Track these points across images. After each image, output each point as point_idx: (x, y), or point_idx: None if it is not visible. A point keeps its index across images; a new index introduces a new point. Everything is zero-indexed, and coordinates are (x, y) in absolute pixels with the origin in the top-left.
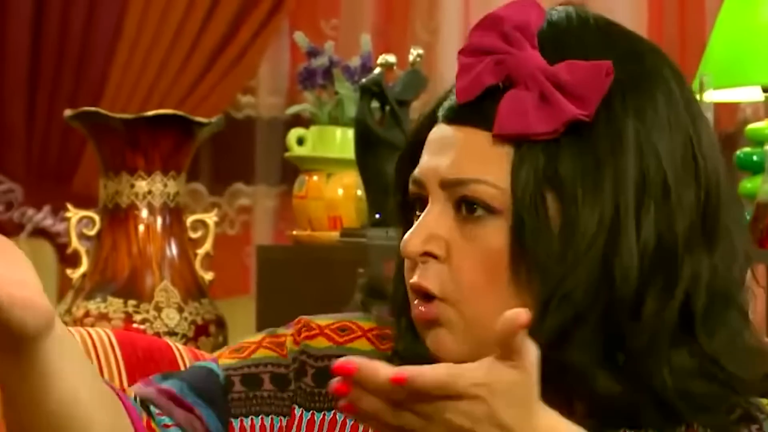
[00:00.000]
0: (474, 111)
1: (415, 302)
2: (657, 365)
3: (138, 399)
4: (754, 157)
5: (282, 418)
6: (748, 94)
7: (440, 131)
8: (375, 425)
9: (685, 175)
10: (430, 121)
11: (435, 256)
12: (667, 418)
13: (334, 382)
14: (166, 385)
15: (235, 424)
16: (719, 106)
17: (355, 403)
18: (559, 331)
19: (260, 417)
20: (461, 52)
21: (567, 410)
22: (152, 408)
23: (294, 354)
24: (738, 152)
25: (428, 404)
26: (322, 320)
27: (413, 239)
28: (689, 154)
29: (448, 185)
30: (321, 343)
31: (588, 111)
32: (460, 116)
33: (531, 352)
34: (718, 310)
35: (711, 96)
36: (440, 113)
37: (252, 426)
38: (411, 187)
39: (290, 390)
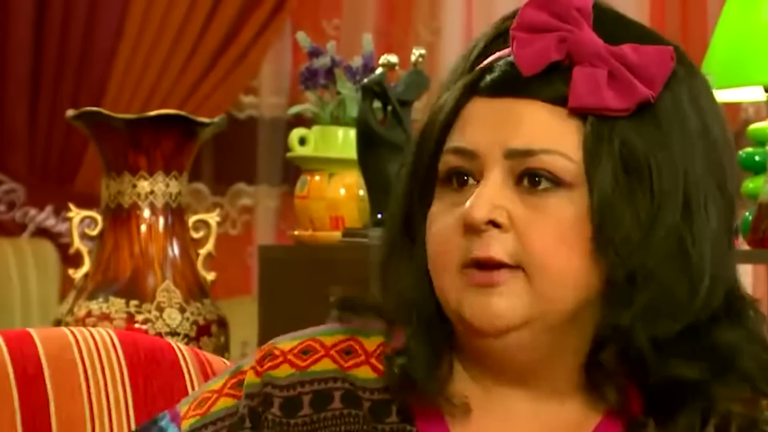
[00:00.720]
0: (541, 84)
1: (471, 270)
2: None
3: None
4: (756, 157)
5: None
6: (750, 94)
7: (491, 104)
8: None
9: (730, 159)
10: (463, 98)
11: (499, 225)
12: (737, 391)
13: None
14: None
15: None
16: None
17: None
18: (648, 307)
19: None
20: (515, 28)
21: (622, 398)
22: None
23: (254, 388)
24: (740, 152)
25: None
26: (287, 343)
27: (479, 206)
28: (729, 141)
29: (515, 155)
30: (284, 371)
31: (655, 92)
32: (521, 89)
33: None
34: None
35: None
36: (486, 86)
37: None
38: (453, 159)
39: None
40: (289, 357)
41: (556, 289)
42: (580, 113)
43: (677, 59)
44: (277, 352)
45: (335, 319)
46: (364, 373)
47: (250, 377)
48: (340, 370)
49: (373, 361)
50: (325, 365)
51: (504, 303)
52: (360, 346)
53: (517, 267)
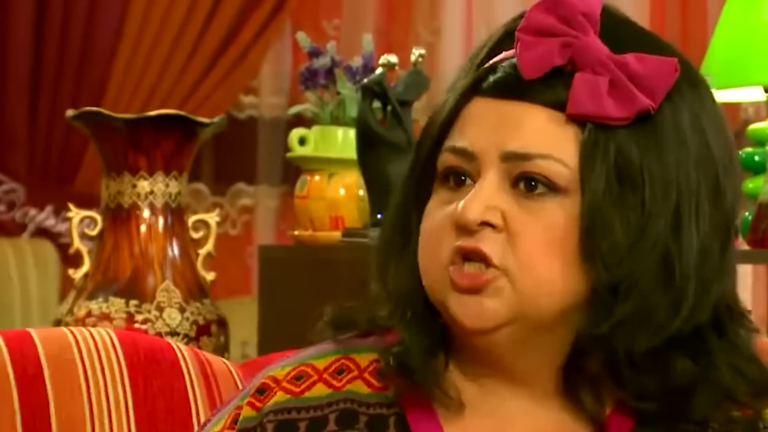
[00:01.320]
0: (542, 88)
1: (460, 265)
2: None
3: None
4: (756, 158)
5: None
6: (749, 95)
7: (492, 105)
8: None
9: (729, 175)
10: (465, 97)
11: (493, 226)
12: (716, 406)
13: None
14: None
15: None
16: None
17: None
18: (628, 318)
19: None
20: (521, 30)
21: (597, 404)
22: None
23: (251, 422)
24: (740, 152)
25: None
26: (280, 371)
27: (473, 207)
28: (729, 154)
29: (512, 158)
30: (281, 397)
31: (655, 103)
32: (522, 92)
33: None
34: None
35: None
36: (488, 87)
37: None
38: (451, 158)
39: None
40: (284, 384)
41: (540, 293)
42: (578, 120)
43: (683, 72)
44: (271, 384)
45: (328, 338)
46: (358, 387)
47: (246, 412)
48: (335, 392)
49: (366, 376)
50: (320, 391)
51: (489, 303)
52: (353, 363)
53: (502, 270)
